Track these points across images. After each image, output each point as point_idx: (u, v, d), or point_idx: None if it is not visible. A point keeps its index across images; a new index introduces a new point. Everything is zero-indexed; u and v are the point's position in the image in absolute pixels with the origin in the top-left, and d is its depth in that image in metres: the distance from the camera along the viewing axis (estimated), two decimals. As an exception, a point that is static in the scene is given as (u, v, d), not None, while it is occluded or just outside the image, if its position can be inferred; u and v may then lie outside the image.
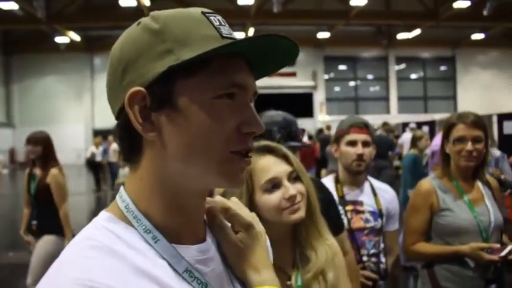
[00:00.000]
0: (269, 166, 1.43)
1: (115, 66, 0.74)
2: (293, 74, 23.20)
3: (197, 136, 0.70)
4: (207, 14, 0.74)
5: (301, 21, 19.61)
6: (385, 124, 13.96)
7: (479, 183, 2.40)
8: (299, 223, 1.45)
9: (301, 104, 23.06)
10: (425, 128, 12.12)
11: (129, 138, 0.74)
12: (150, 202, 0.74)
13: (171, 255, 0.72)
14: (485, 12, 16.85)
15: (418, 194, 2.42)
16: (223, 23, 0.75)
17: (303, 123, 21.69)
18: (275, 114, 2.10)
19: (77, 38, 20.86)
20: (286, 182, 1.42)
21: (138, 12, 17.09)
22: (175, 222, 0.75)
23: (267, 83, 21.56)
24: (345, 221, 2.34)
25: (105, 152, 14.97)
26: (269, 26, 19.24)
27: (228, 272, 0.81)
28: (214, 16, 0.75)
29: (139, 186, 0.75)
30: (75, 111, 23.65)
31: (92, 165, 14.97)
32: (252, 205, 1.40)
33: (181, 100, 0.70)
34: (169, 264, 0.71)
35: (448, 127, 2.37)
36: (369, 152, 2.35)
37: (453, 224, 2.29)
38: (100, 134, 17.56)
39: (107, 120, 23.12)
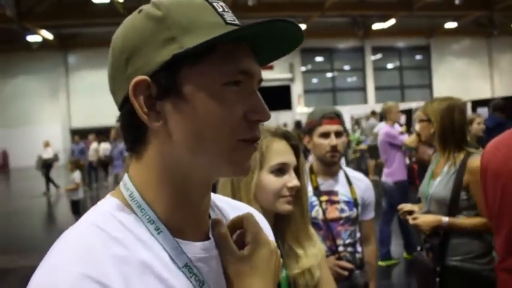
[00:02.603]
0: (284, 151, 1.47)
1: (117, 56, 0.72)
2: (270, 67, 23.19)
3: (204, 124, 0.69)
4: (209, 0, 0.73)
5: (277, 13, 19.59)
6: (373, 113, 14.10)
7: (454, 160, 2.57)
8: (288, 217, 1.47)
9: (279, 97, 23.12)
10: (403, 117, 12.31)
11: (133, 128, 0.72)
12: (155, 192, 0.73)
13: (172, 248, 0.71)
14: (457, 1, 17.09)
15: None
16: (226, 9, 0.73)
17: (281, 115, 21.81)
18: None
19: (49, 36, 20.46)
20: (292, 172, 1.46)
21: (111, 8, 16.84)
22: (180, 214, 0.74)
23: (244, 77, 21.52)
24: (320, 211, 2.36)
25: (83, 151, 14.74)
26: (245, 20, 19.08)
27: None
28: (217, 2, 0.74)
29: (144, 176, 0.73)
30: (51, 111, 23.20)
31: (44, 166, 14.37)
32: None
33: (186, 88, 0.69)
34: (170, 258, 0.70)
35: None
36: (342, 142, 2.35)
37: (419, 189, 2.74)
38: (77, 134, 17.34)
39: (84, 119, 22.89)
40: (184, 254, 0.71)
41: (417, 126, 2.81)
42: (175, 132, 0.70)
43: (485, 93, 23.15)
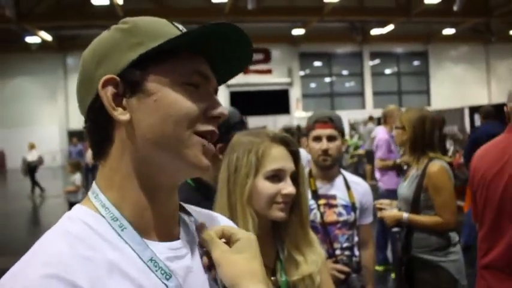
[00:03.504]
0: (281, 157, 1.44)
1: (87, 65, 0.79)
2: (269, 71, 23.24)
3: (166, 116, 0.74)
4: (170, 21, 0.82)
5: (276, 18, 19.65)
6: (371, 118, 14.13)
7: (417, 165, 2.84)
8: (287, 223, 1.46)
9: (278, 101, 23.14)
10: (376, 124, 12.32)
11: (99, 130, 0.77)
12: (120, 193, 0.76)
13: (136, 243, 0.73)
14: (455, 8, 17.16)
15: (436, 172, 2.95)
16: (180, 29, 0.82)
17: (279, 119, 21.83)
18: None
19: (48, 37, 20.46)
20: (288, 179, 1.43)
21: (110, 10, 16.86)
22: (147, 215, 0.76)
23: (243, 81, 21.56)
24: (318, 215, 2.37)
25: (81, 153, 14.71)
26: (244, 24, 19.21)
27: (212, 284, 0.81)
28: (178, 24, 0.83)
29: (109, 176, 0.77)
30: (49, 113, 23.19)
31: (29, 169, 14.26)
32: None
33: (151, 85, 0.75)
34: (136, 254, 0.72)
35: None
36: (335, 146, 2.36)
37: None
38: (75, 135, 17.31)
39: (82, 121, 22.72)
40: (148, 249, 0.73)
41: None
42: (140, 126, 0.75)
43: (482, 99, 23.22)
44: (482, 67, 25.42)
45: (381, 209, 2.97)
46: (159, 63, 0.76)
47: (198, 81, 0.78)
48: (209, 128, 0.78)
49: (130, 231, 0.74)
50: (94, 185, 0.79)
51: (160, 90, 0.75)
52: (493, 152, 2.23)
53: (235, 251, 0.79)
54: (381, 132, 5.77)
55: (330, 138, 2.35)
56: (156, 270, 0.73)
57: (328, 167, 2.41)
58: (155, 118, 0.74)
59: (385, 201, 3.05)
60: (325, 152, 2.33)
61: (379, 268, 5.44)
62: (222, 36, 0.78)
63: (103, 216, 0.74)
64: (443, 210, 2.67)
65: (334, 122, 2.38)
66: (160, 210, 0.78)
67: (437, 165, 2.73)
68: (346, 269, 2.31)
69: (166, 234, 0.79)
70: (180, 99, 0.75)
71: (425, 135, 2.82)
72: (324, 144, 2.34)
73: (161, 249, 0.76)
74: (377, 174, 5.67)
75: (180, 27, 0.82)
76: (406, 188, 2.88)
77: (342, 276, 2.28)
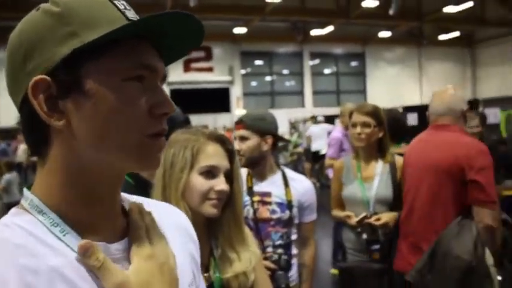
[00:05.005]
0: (215, 154, 1.47)
1: (14, 54, 0.70)
2: (210, 69, 23.11)
3: (108, 121, 0.67)
4: (111, 1, 0.72)
5: (218, 15, 19.56)
6: (312, 117, 14.38)
7: (380, 163, 2.87)
8: (221, 221, 1.48)
9: (218, 99, 23.04)
10: (337, 121, 12.67)
11: (34, 130, 0.70)
12: (61, 196, 0.70)
13: None
14: (391, 12, 17.82)
15: (334, 169, 3.09)
16: (128, 8, 0.72)
17: (220, 118, 21.76)
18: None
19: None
20: (222, 176, 1.46)
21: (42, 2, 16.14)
22: (91, 216, 0.72)
23: (183, 79, 21.32)
24: (251, 211, 2.40)
25: (4, 152, 13.96)
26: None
27: None
28: (118, 0, 0.73)
29: (47, 180, 0.71)
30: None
31: None
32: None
33: (88, 84, 0.67)
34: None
35: (349, 116, 2.94)
36: (246, 146, 2.39)
37: (346, 195, 2.89)
38: (5, 132, 16.43)
39: (13, 117, 21.62)
40: None
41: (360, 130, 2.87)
42: (79, 131, 0.68)
43: (415, 99, 24.30)
44: (415, 68, 26.54)
45: (364, 219, 2.79)
46: (96, 58, 0.67)
47: (143, 74, 0.70)
48: (159, 128, 0.72)
49: (73, 236, 0.68)
50: (25, 189, 0.72)
51: (98, 91, 0.67)
52: (415, 150, 2.73)
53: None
54: (335, 131, 5.80)
55: (242, 139, 2.40)
56: None
57: (248, 166, 2.45)
58: (95, 123, 0.67)
59: (347, 213, 2.89)
60: (238, 152, 2.36)
61: (335, 271, 5.19)
62: (172, 22, 0.71)
63: (42, 223, 0.68)
64: None
65: (244, 122, 2.42)
66: (106, 208, 0.74)
67: (400, 158, 2.87)
68: (272, 265, 2.34)
69: (113, 235, 0.74)
70: (122, 101, 0.68)
71: (392, 132, 2.94)
72: (236, 145, 2.38)
73: (108, 250, 0.71)
74: (329, 173, 5.73)
75: (121, 6, 0.72)
76: (381, 187, 2.81)
77: (268, 273, 2.30)
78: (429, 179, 2.57)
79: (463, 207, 2.47)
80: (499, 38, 23.68)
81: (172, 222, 0.89)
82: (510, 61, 23.30)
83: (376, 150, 2.90)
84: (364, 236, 2.79)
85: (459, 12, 18.80)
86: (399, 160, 2.88)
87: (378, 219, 2.75)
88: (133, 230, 0.74)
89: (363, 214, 2.79)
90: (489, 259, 2.32)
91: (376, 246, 2.78)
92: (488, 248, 2.34)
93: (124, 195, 0.83)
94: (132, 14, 0.72)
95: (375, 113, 2.84)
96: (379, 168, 2.85)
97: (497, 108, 10.73)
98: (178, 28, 0.73)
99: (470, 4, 17.78)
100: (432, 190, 2.55)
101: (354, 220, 2.81)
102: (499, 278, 2.52)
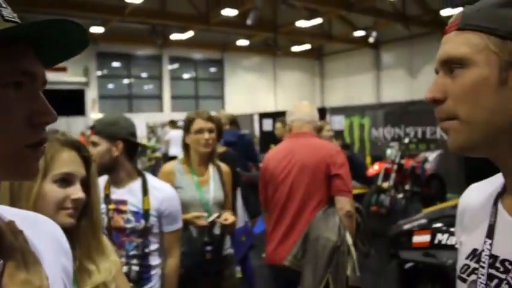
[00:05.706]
0: (71, 161, 1.41)
1: None
2: (63, 69, 21.69)
3: None
4: None
5: (74, 12, 18.48)
6: (172, 122, 14.18)
7: (211, 167, 3.08)
8: (78, 231, 1.41)
9: (72, 101, 21.75)
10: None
11: None
12: None
13: None
14: (248, 22, 18.58)
15: (162, 173, 3.07)
16: (4, 5, 0.66)
17: (73, 121, 20.55)
18: None
19: None
20: (78, 184, 1.40)
21: None
22: None
23: (33, 77, 19.73)
24: (105, 219, 2.34)
25: None
26: (37, 15, 17.60)
27: None
28: None
29: None
30: None
31: None
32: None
33: None
34: None
35: (188, 122, 3.02)
36: (96, 151, 2.36)
37: (182, 199, 2.79)
38: None
39: None
40: None
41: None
42: None
43: (270, 106, 25.59)
44: (270, 76, 27.93)
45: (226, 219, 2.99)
46: None
47: (22, 80, 0.65)
48: (39, 137, 0.68)
49: None
50: None
51: None
52: (281, 153, 3.20)
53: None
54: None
55: (93, 144, 2.40)
56: None
57: (101, 172, 2.37)
58: None
59: (199, 213, 2.99)
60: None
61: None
62: (55, 28, 0.65)
63: None
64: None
65: (95, 128, 2.44)
66: None
67: (222, 163, 3.22)
68: None
69: None
70: None
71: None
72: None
73: None
74: None
75: None
76: (217, 191, 3.03)
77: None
78: (301, 176, 3.04)
79: (328, 197, 3.02)
80: (344, 52, 26.11)
81: (44, 234, 0.85)
82: (353, 73, 25.89)
83: (208, 155, 3.07)
84: (206, 238, 2.90)
85: (310, 27, 20.38)
86: (222, 164, 3.18)
87: (226, 219, 2.95)
88: (8, 253, 0.68)
89: (216, 214, 2.94)
90: (349, 240, 2.90)
91: (210, 248, 2.90)
92: (348, 231, 2.92)
93: None
94: (8, 13, 0.65)
95: (215, 119, 3.12)
96: (211, 172, 3.06)
97: (342, 115, 11.87)
98: (60, 34, 0.68)
99: (319, 21, 19.40)
100: (305, 186, 3.04)
101: (203, 221, 2.91)
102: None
